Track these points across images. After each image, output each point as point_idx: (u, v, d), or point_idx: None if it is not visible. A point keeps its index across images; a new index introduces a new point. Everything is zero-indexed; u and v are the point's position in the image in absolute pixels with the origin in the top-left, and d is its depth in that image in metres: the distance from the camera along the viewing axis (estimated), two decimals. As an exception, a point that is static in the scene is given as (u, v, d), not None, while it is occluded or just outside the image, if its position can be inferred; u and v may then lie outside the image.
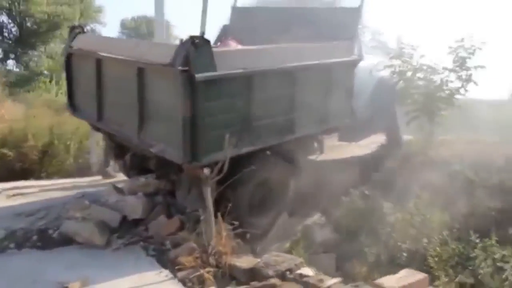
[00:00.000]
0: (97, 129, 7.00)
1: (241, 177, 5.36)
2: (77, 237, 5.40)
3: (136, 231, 5.69)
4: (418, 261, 5.57)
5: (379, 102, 7.74)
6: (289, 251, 5.91)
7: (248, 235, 5.36)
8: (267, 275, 4.26)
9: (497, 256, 5.07)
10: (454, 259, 5.45)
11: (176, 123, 5.02)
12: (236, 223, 5.08)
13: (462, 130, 8.36)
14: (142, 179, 6.18)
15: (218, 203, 5.32)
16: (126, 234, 5.66)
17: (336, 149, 7.62)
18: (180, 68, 4.72)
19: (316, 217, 6.84)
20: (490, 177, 6.39)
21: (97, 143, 8.96)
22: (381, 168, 7.77)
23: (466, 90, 6.82)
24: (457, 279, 5.09)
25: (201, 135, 4.95)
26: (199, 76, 4.75)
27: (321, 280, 3.94)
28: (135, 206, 5.78)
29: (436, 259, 5.45)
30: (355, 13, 6.92)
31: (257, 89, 5.38)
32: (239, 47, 6.49)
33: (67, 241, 5.48)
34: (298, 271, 4.16)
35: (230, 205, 5.13)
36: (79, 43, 6.52)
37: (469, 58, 6.67)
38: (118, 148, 6.65)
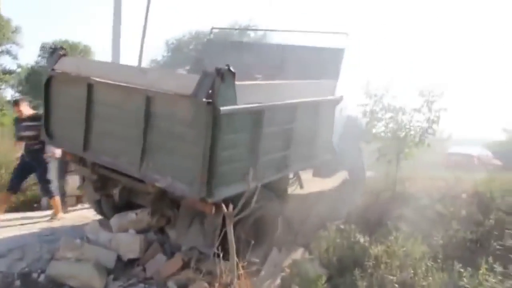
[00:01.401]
0: (74, 161, 6.48)
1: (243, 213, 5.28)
2: (71, 281, 4.90)
3: (134, 272, 5.30)
4: (409, 290, 5.87)
5: (346, 140, 8.10)
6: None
7: (262, 273, 5.25)
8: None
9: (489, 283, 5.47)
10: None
11: (191, 156, 4.84)
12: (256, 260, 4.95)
13: (423, 167, 9.01)
14: (132, 215, 5.79)
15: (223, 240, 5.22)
16: (121, 275, 5.25)
17: (310, 184, 7.77)
18: (204, 100, 4.60)
19: (300, 252, 6.89)
20: (459, 210, 6.98)
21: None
22: (349, 202, 8.12)
23: (434, 130, 7.41)
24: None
25: (217, 170, 4.82)
26: (223, 109, 4.67)
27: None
28: (131, 245, 5.40)
29: (428, 289, 5.78)
30: (339, 54, 7.28)
31: (265, 124, 5.40)
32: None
33: (57, 285, 4.96)
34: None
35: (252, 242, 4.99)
36: (65, 66, 6.04)
37: (435, 101, 7.30)
38: (100, 182, 6.17)
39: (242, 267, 5.08)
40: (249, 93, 5.19)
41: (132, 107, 5.31)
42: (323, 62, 7.18)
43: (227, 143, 4.88)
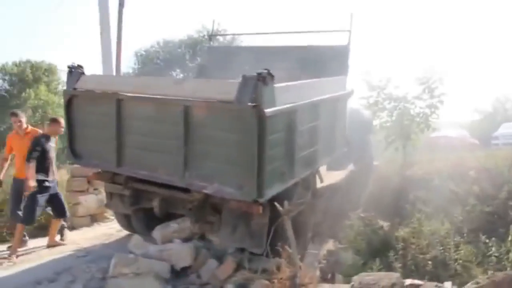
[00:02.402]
0: (101, 179, 6.48)
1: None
2: (134, 295, 4.94)
3: (189, 280, 5.37)
4: (441, 265, 6.20)
5: (352, 132, 8.41)
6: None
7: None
8: (374, 294, 4.42)
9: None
10: (474, 259, 6.18)
11: (238, 160, 4.98)
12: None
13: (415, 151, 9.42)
14: (174, 225, 5.87)
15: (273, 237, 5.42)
16: (178, 284, 5.32)
17: (326, 177, 8.01)
18: (249, 104, 4.75)
19: (330, 243, 7.13)
20: (470, 187, 7.40)
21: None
22: (363, 191, 8.43)
23: (437, 115, 7.84)
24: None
25: (265, 171, 4.97)
26: (268, 111, 4.84)
27: (437, 285, 4.26)
28: (182, 254, 5.47)
29: (461, 261, 6.14)
30: (345, 50, 7.58)
31: (299, 122, 5.60)
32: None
33: (119, 301, 4.99)
34: (407, 283, 4.41)
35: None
36: (87, 84, 6.03)
37: (437, 87, 7.72)
38: (134, 196, 6.20)
39: (300, 259, 5.28)
40: (284, 94, 5.38)
41: (169, 118, 5.39)
42: (330, 60, 7.46)
43: (271, 143, 5.04)
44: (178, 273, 5.47)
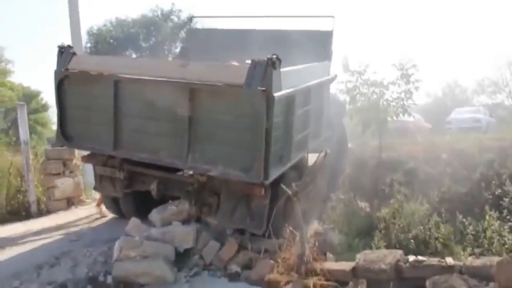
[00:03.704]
0: (92, 162, 6.32)
1: (280, 192, 5.58)
2: (141, 278, 4.93)
3: (193, 261, 5.42)
4: (423, 244, 6.61)
5: (331, 116, 8.65)
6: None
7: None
8: (380, 269, 4.67)
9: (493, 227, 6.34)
10: (452, 237, 6.63)
11: (244, 143, 5.06)
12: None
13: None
14: (172, 207, 5.86)
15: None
16: (182, 265, 5.35)
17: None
18: (259, 88, 4.83)
19: (315, 223, 7.37)
20: (444, 169, 7.89)
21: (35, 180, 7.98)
22: (340, 173, 8.73)
23: (412, 100, 8.20)
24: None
25: (271, 153, 5.08)
26: (277, 95, 4.93)
27: (440, 261, 4.59)
28: (185, 235, 5.47)
29: (441, 239, 6.56)
30: (328, 36, 7.74)
31: (296, 106, 5.72)
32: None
33: (126, 284, 4.95)
34: (411, 259, 4.70)
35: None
36: (81, 64, 5.82)
37: (413, 73, 8.07)
38: (128, 179, 6.09)
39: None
40: (288, 78, 5.45)
41: (172, 101, 5.34)
42: (314, 45, 7.59)
43: (275, 127, 5.13)
44: (180, 255, 5.50)
